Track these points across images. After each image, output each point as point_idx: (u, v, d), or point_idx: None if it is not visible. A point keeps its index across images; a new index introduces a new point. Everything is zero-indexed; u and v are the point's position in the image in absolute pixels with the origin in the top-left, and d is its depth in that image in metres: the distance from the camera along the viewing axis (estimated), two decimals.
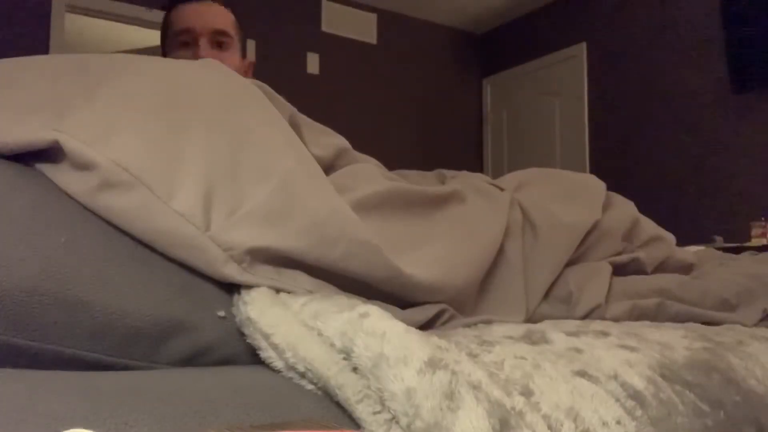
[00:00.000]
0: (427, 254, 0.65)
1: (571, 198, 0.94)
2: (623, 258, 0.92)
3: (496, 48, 5.29)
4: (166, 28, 1.32)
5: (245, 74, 1.38)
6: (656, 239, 1.01)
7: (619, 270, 0.90)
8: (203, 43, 1.25)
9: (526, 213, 0.86)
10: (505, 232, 0.80)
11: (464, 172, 1.03)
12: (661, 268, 1.00)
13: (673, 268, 1.03)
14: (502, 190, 0.91)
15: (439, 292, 0.64)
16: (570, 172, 1.09)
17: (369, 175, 0.73)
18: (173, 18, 1.29)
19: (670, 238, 1.05)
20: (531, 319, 0.76)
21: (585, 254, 0.88)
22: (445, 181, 0.98)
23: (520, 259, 0.79)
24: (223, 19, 1.30)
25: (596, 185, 1.01)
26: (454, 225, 0.74)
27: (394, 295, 0.60)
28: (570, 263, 0.85)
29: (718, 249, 1.81)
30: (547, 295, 0.80)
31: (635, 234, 0.99)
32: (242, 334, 0.49)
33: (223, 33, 1.28)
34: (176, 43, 1.27)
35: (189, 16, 1.27)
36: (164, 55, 1.34)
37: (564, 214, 0.87)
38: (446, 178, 1.00)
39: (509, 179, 1.00)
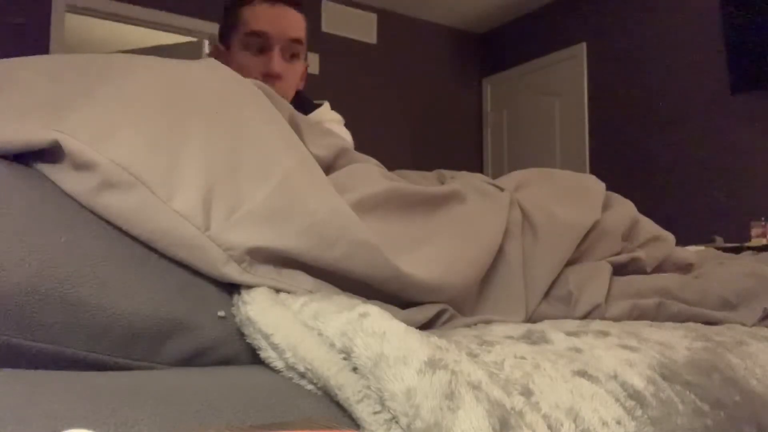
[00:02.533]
0: (426, 254, 0.65)
1: (571, 198, 0.94)
2: (623, 258, 0.92)
3: (496, 48, 5.29)
4: (235, 22, 1.24)
5: (301, 79, 1.34)
6: (656, 239, 1.01)
7: (618, 270, 0.90)
8: (277, 51, 1.20)
9: (526, 213, 0.86)
10: (505, 232, 0.80)
11: (464, 172, 1.03)
12: (661, 267, 1.00)
13: (673, 268, 1.03)
14: (502, 190, 0.91)
15: (439, 291, 0.64)
16: (570, 172, 1.09)
17: (369, 175, 0.73)
18: (247, 15, 1.22)
19: (670, 237, 1.05)
20: (531, 318, 0.76)
21: (585, 254, 0.88)
22: (444, 181, 0.98)
23: (519, 259, 0.79)
24: (299, 26, 1.25)
25: (596, 185, 1.01)
26: (454, 225, 0.74)
27: (394, 295, 0.60)
28: (570, 263, 0.85)
29: (718, 249, 1.81)
30: (546, 294, 0.80)
31: (635, 234, 0.99)
32: (242, 334, 0.49)
33: (297, 41, 1.23)
34: (246, 43, 1.21)
35: (265, 18, 1.21)
36: (226, 47, 1.26)
37: (564, 214, 0.87)
38: (446, 178, 1.00)
39: (509, 179, 1.00)
